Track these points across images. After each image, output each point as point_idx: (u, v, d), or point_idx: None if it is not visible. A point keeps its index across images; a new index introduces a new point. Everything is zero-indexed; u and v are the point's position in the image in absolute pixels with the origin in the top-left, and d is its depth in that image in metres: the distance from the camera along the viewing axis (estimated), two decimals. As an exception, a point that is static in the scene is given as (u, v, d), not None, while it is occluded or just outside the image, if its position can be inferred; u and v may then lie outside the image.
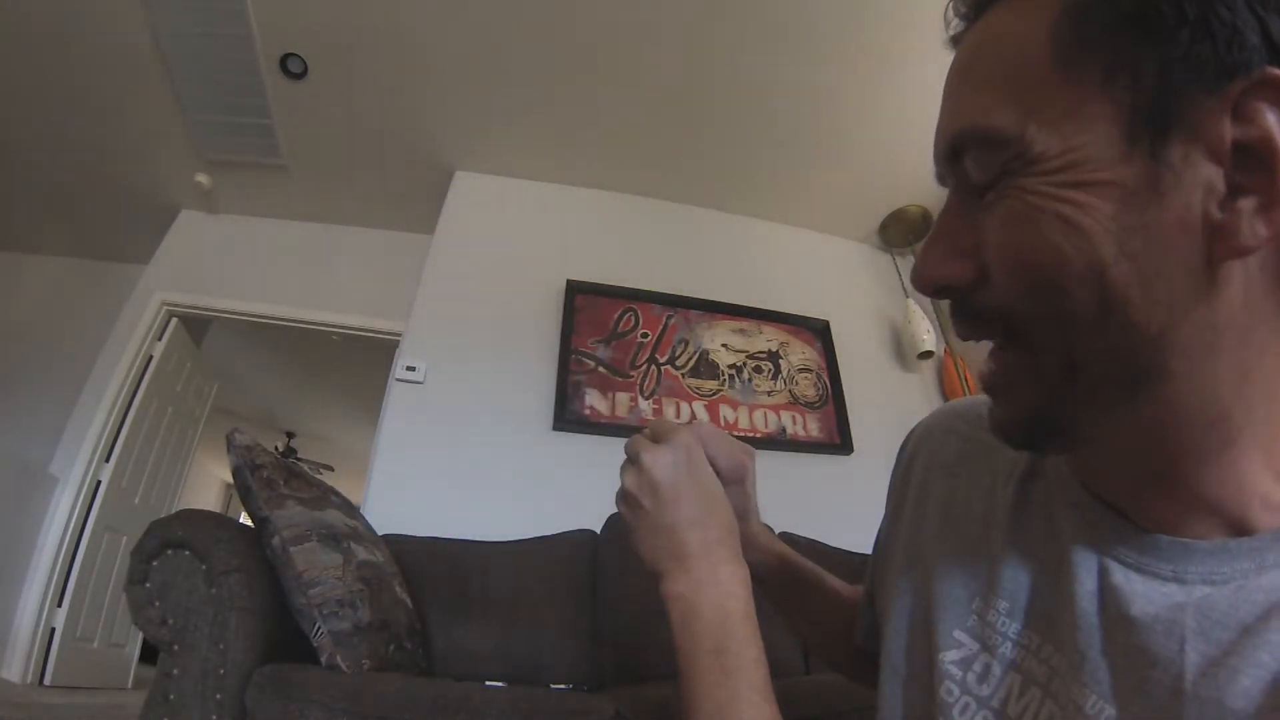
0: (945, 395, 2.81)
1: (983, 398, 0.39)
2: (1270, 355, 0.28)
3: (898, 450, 0.53)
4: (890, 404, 2.66)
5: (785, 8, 2.27)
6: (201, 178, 3.10)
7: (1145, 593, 0.31)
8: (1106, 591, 0.32)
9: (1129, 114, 0.27)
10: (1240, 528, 0.30)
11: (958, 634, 0.38)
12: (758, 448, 2.67)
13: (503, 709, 0.88)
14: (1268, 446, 0.29)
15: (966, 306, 0.32)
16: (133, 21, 2.37)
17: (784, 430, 2.53)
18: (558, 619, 1.58)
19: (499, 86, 2.61)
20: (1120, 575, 0.32)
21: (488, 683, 1.39)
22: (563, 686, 1.50)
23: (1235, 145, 0.26)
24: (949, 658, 0.38)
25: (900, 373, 2.87)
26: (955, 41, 0.35)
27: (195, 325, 3.50)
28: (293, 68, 2.53)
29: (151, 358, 3.13)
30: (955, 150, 0.32)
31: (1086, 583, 0.33)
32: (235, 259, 3.29)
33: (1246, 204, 0.26)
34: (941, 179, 0.35)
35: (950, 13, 0.35)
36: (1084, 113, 0.27)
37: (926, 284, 0.33)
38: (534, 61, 2.50)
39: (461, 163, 2.96)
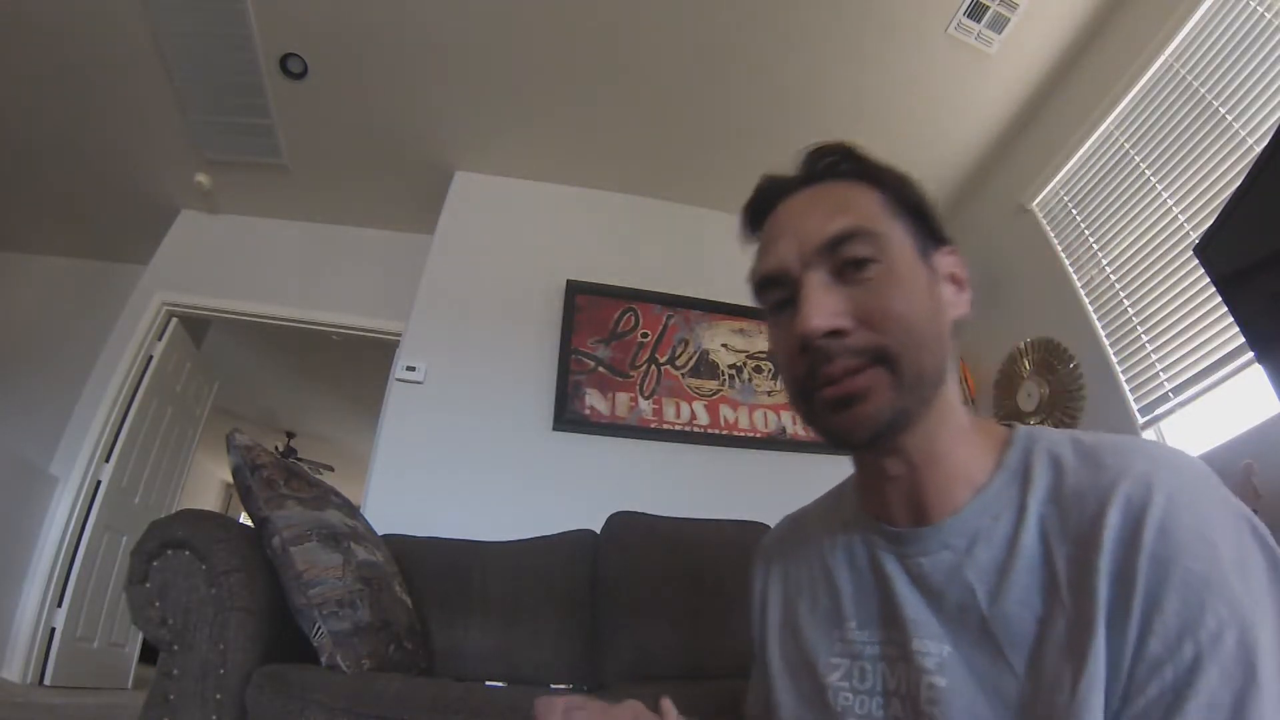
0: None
1: (797, 511, 0.68)
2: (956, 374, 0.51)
3: (751, 575, 0.66)
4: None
5: (785, 9, 2.27)
6: (201, 178, 3.10)
7: (932, 567, 0.47)
8: (914, 579, 0.48)
9: (914, 244, 0.50)
10: (978, 483, 0.48)
11: (833, 660, 0.52)
12: (758, 448, 2.65)
13: (503, 709, 0.88)
14: (970, 434, 0.50)
15: (844, 346, 0.46)
16: (133, 22, 2.37)
17: (784, 430, 2.54)
18: (558, 619, 1.58)
19: (499, 87, 2.61)
20: (914, 565, 0.48)
21: (488, 683, 1.40)
22: (563, 686, 1.50)
23: (951, 271, 0.52)
24: (834, 678, 0.51)
25: (900, 373, 2.87)
26: (791, 189, 0.54)
27: (195, 325, 3.50)
28: (293, 68, 2.53)
29: (151, 358, 3.13)
30: (840, 239, 0.48)
31: (899, 579, 0.49)
32: (235, 259, 3.29)
33: (963, 295, 0.52)
34: (791, 265, 0.50)
35: (801, 169, 0.55)
36: (900, 236, 0.50)
37: (819, 330, 0.46)
38: (534, 62, 2.50)
39: (461, 163, 2.96)
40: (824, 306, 0.46)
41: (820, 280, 0.48)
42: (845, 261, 0.47)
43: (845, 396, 0.46)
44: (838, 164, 0.54)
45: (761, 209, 0.55)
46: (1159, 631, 0.35)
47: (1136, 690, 0.35)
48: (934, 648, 0.45)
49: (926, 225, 0.52)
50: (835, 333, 0.46)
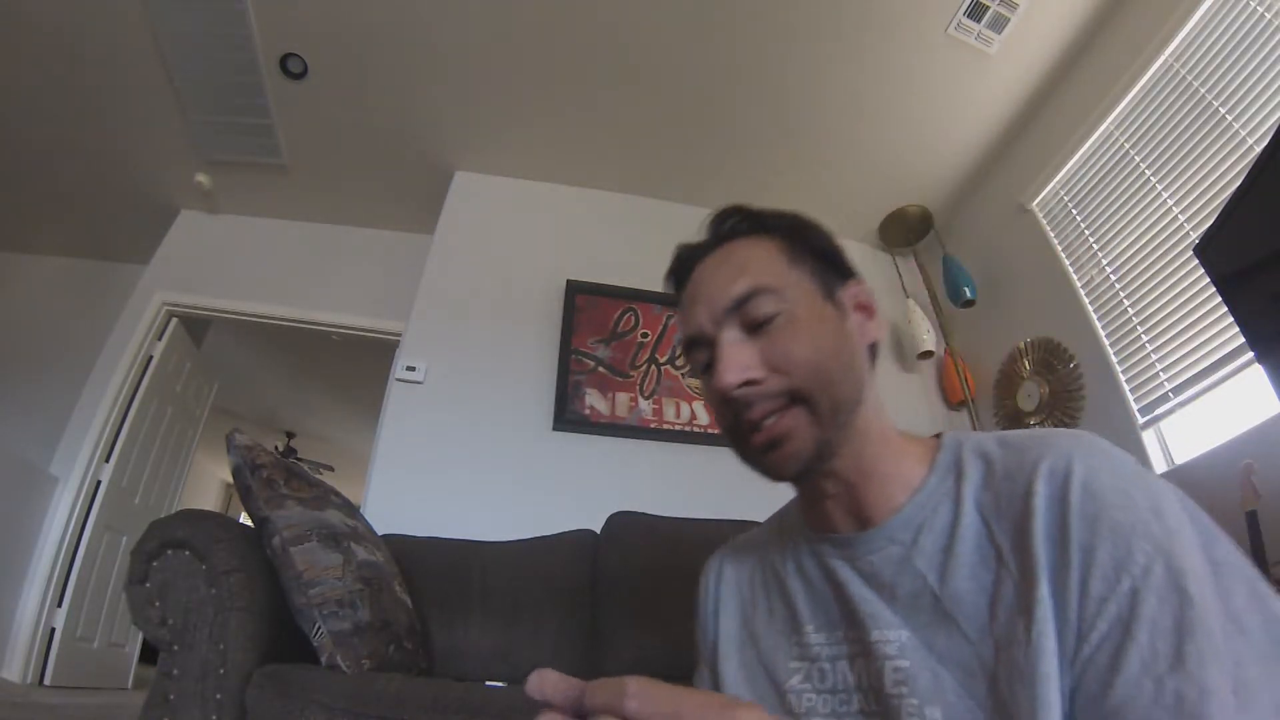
0: (945, 394, 2.81)
1: (743, 535, 0.69)
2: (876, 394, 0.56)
3: (702, 581, 0.68)
4: (890, 404, 2.62)
5: (785, 9, 2.27)
6: (201, 178, 3.10)
7: (882, 563, 0.51)
8: (866, 578, 0.52)
9: (817, 286, 0.55)
10: (914, 485, 0.52)
11: (791, 664, 0.55)
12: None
13: (502, 709, 0.88)
14: (899, 445, 0.55)
15: (760, 393, 0.51)
16: (133, 22, 2.38)
17: (784, 430, 2.53)
18: (558, 619, 1.58)
19: (499, 87, 2.61)
20: (865, 564, 0.52)
21: (488, 683, 1.40)
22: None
23: (857, 301, 0.57)
24: (794, 682, 0.54)
25: (900, 373, 2.87)
26: (702, 254, 0.59)
27: (195, 325, 3.50)
28: (293, 68, 2.53)
29: (151, 358, 3.13)
30: (743, 299, 0.53)
31: (853, 582, 0.52)
32: (235, 259, 3.29)
33: (872, 322, 0.57)
34: (706, 327, 0.55)
35: (708, 233, 0.61)
36: (801, 283, 0.54)
37: (732, 385, 0.50)
38: (535, 62, 2.50)
39: (461, 163, 2.96)
40: (735, 362, 0.51)
41: (732, 338, 0.53)
42: (751, 317, 0.53)
43: (770, 440, 0.51)
44: (739, 224, 0.59)
45: (681, 275, 0.62)
46: (1098, 574, 0.40)
47: (1088, 626, 0.39)
48: (893, 635, 0.48)
49: (831, 264, 0.57)
50: (749, 383, 0.51)
